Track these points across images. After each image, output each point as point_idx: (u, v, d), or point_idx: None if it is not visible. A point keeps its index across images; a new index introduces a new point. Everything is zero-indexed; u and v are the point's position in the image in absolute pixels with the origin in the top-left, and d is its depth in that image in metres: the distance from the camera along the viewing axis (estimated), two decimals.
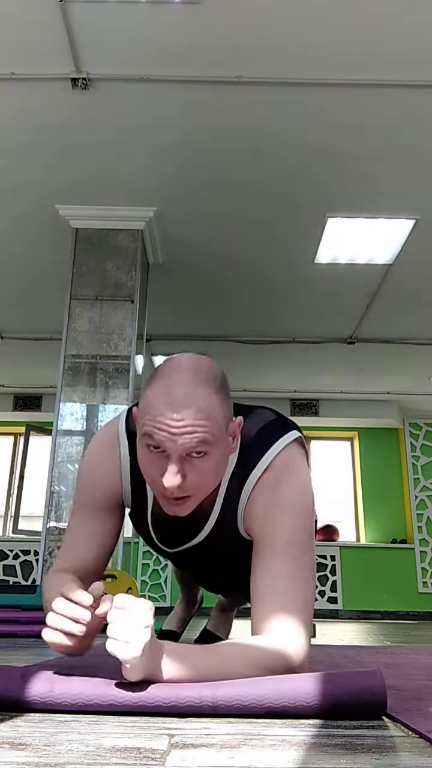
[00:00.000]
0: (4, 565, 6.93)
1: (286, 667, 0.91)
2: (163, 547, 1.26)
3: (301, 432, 1.17)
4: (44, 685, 0.80)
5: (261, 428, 1.12)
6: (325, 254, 4.50)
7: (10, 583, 6.70)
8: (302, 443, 1.16)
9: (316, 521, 1.44)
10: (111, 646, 0.78)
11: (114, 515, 1.22)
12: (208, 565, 1.30)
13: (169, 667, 0.84)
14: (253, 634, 1.00)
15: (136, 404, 1.22)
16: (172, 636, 1.98)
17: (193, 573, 1.44)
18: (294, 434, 1.12)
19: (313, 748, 0.65)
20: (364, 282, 4.87)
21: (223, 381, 1.01)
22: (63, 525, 3.56)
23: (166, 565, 6.80)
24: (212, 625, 1.97)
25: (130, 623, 0.79)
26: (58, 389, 3.83)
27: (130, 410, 1.22)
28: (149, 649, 0.80)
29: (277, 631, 0.97)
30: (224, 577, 1.38)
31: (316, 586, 6.92)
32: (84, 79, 3.08)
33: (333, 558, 7.07)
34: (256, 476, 1.08)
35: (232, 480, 1.10)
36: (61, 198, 4.00)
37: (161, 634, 2.02)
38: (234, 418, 1.04)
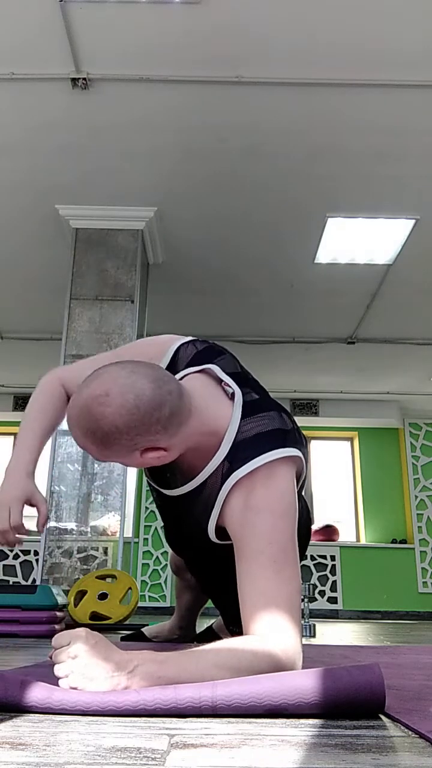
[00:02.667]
0: (4, 565, 6.92)
1: (274, 666, 0.91)
2: (150, 480, 1.32)
3: (303, 450, 1.16)
4: (43, 693, 0.80)
5: (258, 433, 1.12)
6: (325, 254, 4.50)
7: (10, 583, 6.70)
8: (298, 463, 1.14)
9: (308, 524, 1.44)
10: (63, 683, 0.84)
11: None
12: (180, 524, 1.34)
13: (145, 677, 0.84)
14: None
15: (193, 340, 1.28)
16: (141, 638, 2.01)
17: (173, 535, 1.49)
18: (289, 451, 1.11)
19: (313, 748, 0.65)
20: (364, 282, 4.87)
21: (105, 437, 0.99)
22: (63, 525, 3.56)
23: (166, 565, 6.80)
24: (217, 625, 1.96)
25: (65, 664, 0.85)
26: None
27: (183, 345, 1.27)
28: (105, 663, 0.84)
29: (262, 631, 0.97)
30: (196, 555, 1.41)
31: (315, 586, 6.91)
32: (84, 79, 3.08)
33: (333, 558, 7.06)
34: (237, 477, 1.09)
35: (221, 465, 1.11)
36: (61, 198, 3.99)
37: (132, 634, 2.04)
38: (154, 444, 1.02)
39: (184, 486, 1.18)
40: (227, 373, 1.20)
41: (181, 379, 1.17)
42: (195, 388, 1.11)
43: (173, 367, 1.23)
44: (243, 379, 1.22)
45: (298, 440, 1.16)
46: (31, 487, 1.22)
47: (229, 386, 1.16)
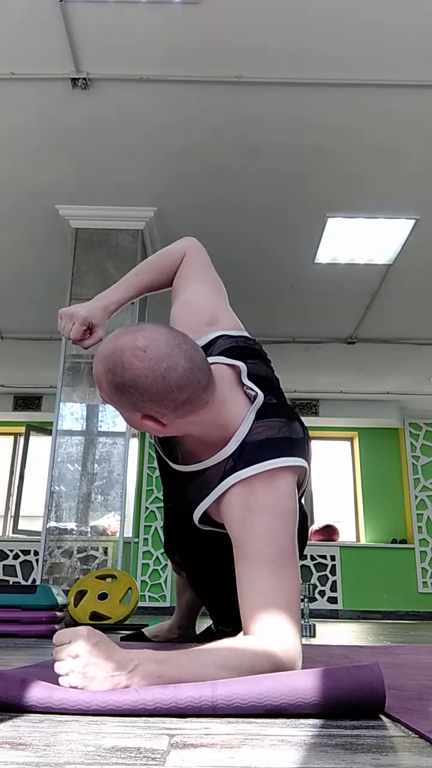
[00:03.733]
0: (4, 565, 6.92)
1: (274, 666, 0.91)
2: (158, 448, 1.36)
3: (308, 461, 1.17)
4: (43, 692, 0.80)
5: (268, 438, 1.12)
6: (325, 254, 4.50)
7: (10, 583, 6.69)
8: (301, 472, 1.16)
9: (308, 525, 1.46)
10: (63, 682, 0.84)
11: (178, 294, 1.49)
12: (174, 500, 1.39)
13: (146, 677, 0.84)
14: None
15: (237, 336, 1.31)
16: (141, 638, 2.01)
17: (168, 512, 1.53)
18: (294, 461, 1.12)
19: (313, 748, 0.65)
20: (364, 282, 4.87)
21: (121, 386, 1.03)
22: (63, 525, 3.56)
23: (166, 565, 6.80)
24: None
25: (66, 662, 0.85)
26: (58, 389, 3.83)
27: (225, 336, 1.30)
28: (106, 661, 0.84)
29: (262, 631, 0.97)
30: (185, 544, 1.46)
31: (315, 586, 6.91)
32: (84, 79, 3.08)
33: (333, 558, 7.06)
34: (239, 477, 1.10)
35: (225, 461, 1.13)
36: (61, 198, 4.00)
37: (132, 634, 2.04)
38: (157, 416, 1.06)
39: (186, 465, 1.21)
40: (254, 376, 1.20)
41: (211, 364, 1.18)
42: (220, 380, 1.13)
43: (208, 348, 1.26)
44: (268, 385, 1.23)
45: (305, 450, 1.17)
46: (99, 319, 1.41)
47: (252, 390, 1.17)
